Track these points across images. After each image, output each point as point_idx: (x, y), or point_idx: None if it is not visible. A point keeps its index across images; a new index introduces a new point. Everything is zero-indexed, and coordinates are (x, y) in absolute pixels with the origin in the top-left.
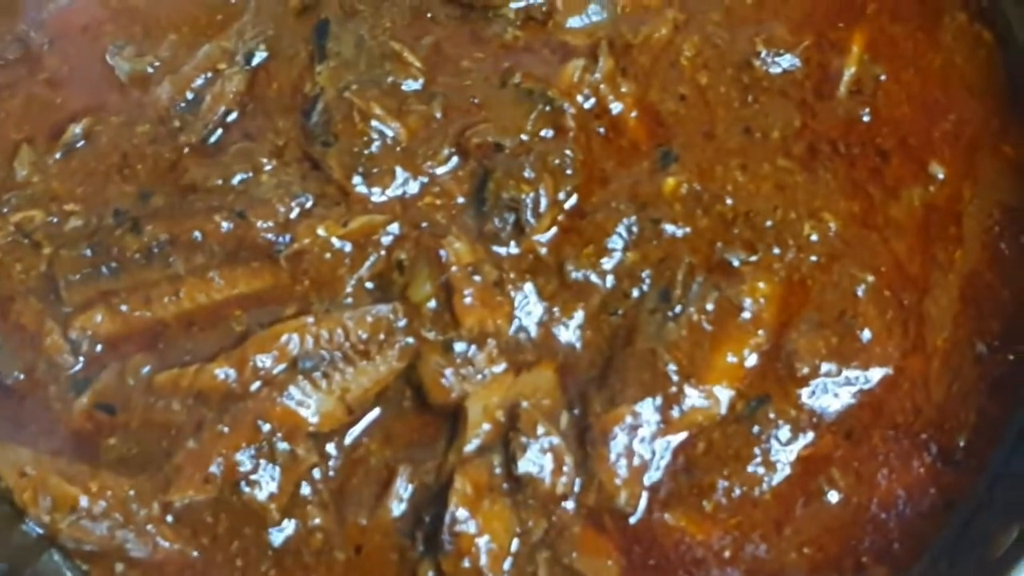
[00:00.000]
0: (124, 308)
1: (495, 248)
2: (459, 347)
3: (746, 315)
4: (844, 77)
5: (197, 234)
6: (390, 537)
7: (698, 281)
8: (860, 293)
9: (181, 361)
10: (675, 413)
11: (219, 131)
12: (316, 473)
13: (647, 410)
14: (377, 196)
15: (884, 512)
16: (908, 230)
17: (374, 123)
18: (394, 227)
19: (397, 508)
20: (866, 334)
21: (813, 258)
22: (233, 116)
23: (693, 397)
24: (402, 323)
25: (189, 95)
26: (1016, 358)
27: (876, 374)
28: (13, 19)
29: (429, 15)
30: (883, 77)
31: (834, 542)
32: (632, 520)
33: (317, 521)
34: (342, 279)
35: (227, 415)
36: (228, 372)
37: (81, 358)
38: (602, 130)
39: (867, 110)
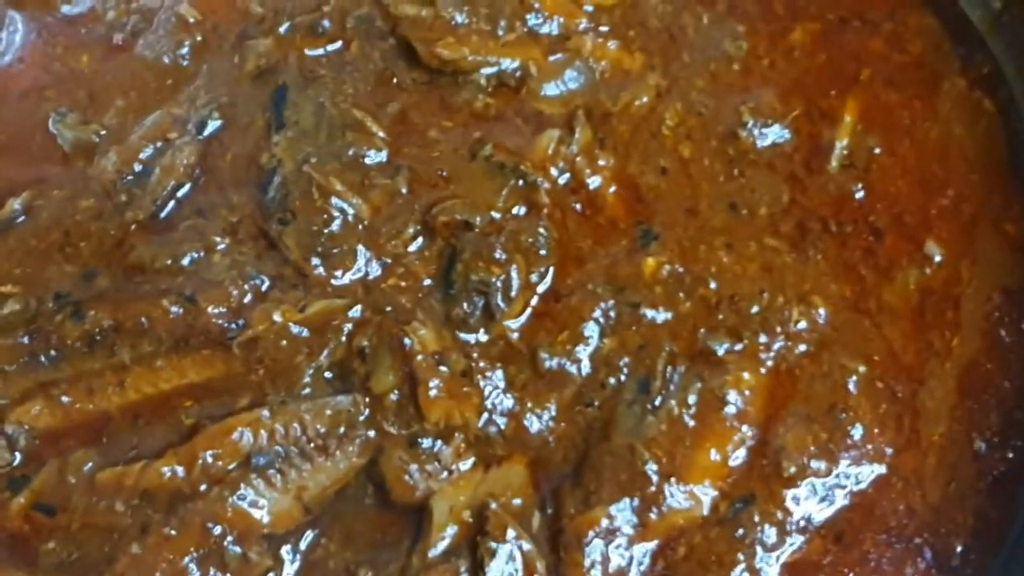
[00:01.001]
0: (65, 400)
1: (463, 335)
2: (424, 442)
3: (730, 409)
4: (836, 149)
5: (143, 320)
6: None
7: (679, 371)
8: (851, 385)
9: (126, 457)
10: (653, 515)
11: (169, 206)
12: None
13: (624, 512)
14: (337, 278)
15: None
16: (903, 315)
17: (334, 200)
18: (355, 311)
19: None
20: (857, 429)
21: (802, 347)
22: (184, 190)
23: (673, 498)
24: (363, 416)
25: (137, 167)
26: (1016, 455)
27: (868, 473)
28: None
29: (395, 80)
30: (877, 150)
31: None
32: None
33: None
34: (299, 368)
35: (174, 517)
36: (176, 470)
37: (18, 454)
38: (578, 206)
39: (860, 185)
